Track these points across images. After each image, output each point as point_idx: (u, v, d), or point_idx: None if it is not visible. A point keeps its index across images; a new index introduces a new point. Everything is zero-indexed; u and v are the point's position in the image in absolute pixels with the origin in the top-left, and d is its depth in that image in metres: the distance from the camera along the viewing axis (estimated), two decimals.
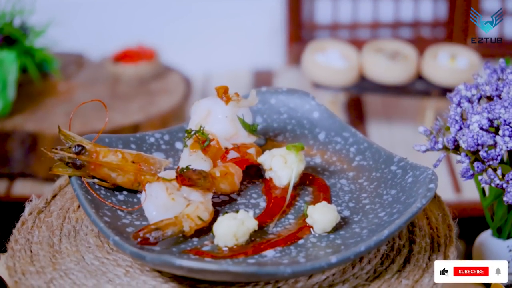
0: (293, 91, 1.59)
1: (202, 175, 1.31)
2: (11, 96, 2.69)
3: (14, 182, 2.68)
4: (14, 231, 1.36)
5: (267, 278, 1.17)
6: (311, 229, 1.28)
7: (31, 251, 1.31)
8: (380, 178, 1.38)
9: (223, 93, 1.43)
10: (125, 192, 1.38)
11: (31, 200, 1.41)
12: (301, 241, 1.26)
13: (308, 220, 1.28)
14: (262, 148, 1.46)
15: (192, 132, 1.40)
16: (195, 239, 1.28)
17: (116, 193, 1.38)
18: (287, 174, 1.37)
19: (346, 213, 1.33)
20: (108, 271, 1.26)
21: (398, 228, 1.19)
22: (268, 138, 1.55)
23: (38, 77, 2.88)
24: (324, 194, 1.39)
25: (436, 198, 1.43)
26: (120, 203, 1.36)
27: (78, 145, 1.34)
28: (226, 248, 1.24)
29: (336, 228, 1.28)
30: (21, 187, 2.66)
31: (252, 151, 1.43)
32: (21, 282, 1.24)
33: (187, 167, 1.31)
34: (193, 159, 1.37)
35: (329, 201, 1.36)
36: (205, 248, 1.25)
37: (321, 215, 1.27)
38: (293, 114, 1.56)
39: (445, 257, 1.27)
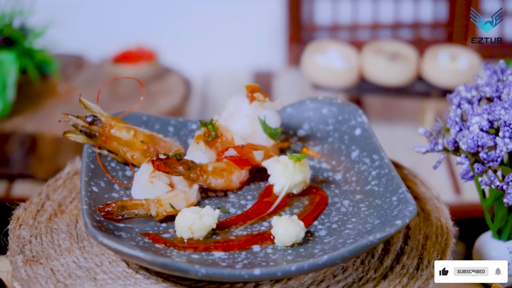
0: (346, 104, 1.55)
1: (188, 165, 1.32)
2: (10, 97, 2.69)
3: (14, 183, 2.68)
4: (44, 186, 1.41)
5: (178, 273, 1.14)
6: (274, 239, 1.26)
7: (43, 206, 1.36)
8: (378, 207, 1.32)
9: (250, 92, 1.43)
10: (136, 169, 1.40)
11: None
12: (256, 249, 1.24)
13: (272, 231, 1.27)
14: None
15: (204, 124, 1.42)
16: (163, 225, 1.29)
17: (127, 168, 1.40)
18: (283, 182, 1.37)
19: (323, 233, 1.29)
20: (87, 238, 1.29)
21: (342, 258, 1.15)
22: (305, 146, 1.53)
23: (37, 78, 2.88)
24: (314, 210, 1.35)
25: (446, 244, 1.33)
26: (124, 178, 1.38)
27: (93, 116, 1.38)
28: (186, 240, 1.24)
29: (299, 244, 1.25)
30: (20, 188, 2.65)
31: (259, 153, 1.41)
32: (12, 231, 1.29)
33: (175, 154, 1.33)
34: (192, 149, 1.39)
35: (313, 219, 1.33)
36: (165, 235, 1.26)
37: (282, 228, 1.25)
38: (339, 127, 1.53)
39: None
